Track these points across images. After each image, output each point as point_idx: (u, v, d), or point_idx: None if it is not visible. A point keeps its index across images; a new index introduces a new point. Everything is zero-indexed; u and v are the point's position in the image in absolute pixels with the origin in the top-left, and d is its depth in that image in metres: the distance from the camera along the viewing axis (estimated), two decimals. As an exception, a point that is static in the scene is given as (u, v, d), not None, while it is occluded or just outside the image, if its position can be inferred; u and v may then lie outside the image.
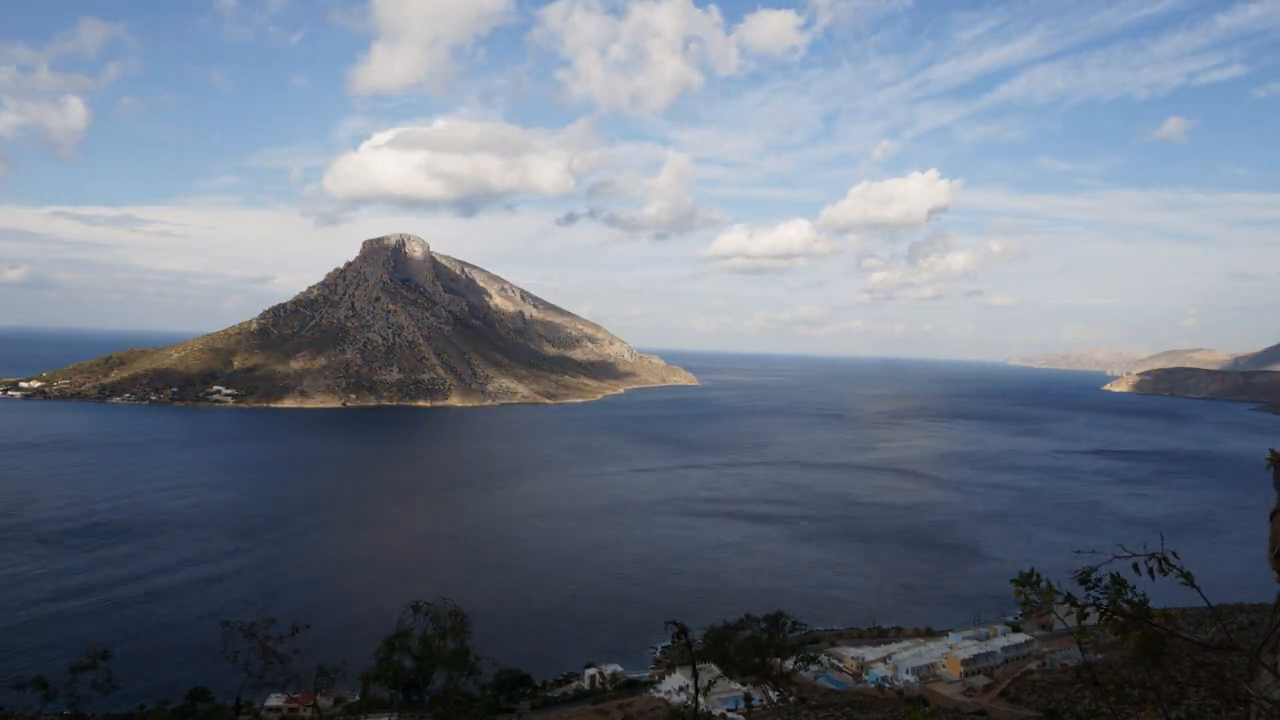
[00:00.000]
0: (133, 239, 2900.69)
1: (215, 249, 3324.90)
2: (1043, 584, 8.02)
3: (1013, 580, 8.24)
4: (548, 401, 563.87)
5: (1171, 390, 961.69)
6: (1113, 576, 7.91)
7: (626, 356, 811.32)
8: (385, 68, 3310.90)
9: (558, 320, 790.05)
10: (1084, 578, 7.97)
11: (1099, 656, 74.90)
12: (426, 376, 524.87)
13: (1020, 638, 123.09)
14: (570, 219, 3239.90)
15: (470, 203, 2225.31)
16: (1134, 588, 7.93)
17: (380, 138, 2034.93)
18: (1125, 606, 7.80)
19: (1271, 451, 8.36)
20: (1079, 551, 9.06)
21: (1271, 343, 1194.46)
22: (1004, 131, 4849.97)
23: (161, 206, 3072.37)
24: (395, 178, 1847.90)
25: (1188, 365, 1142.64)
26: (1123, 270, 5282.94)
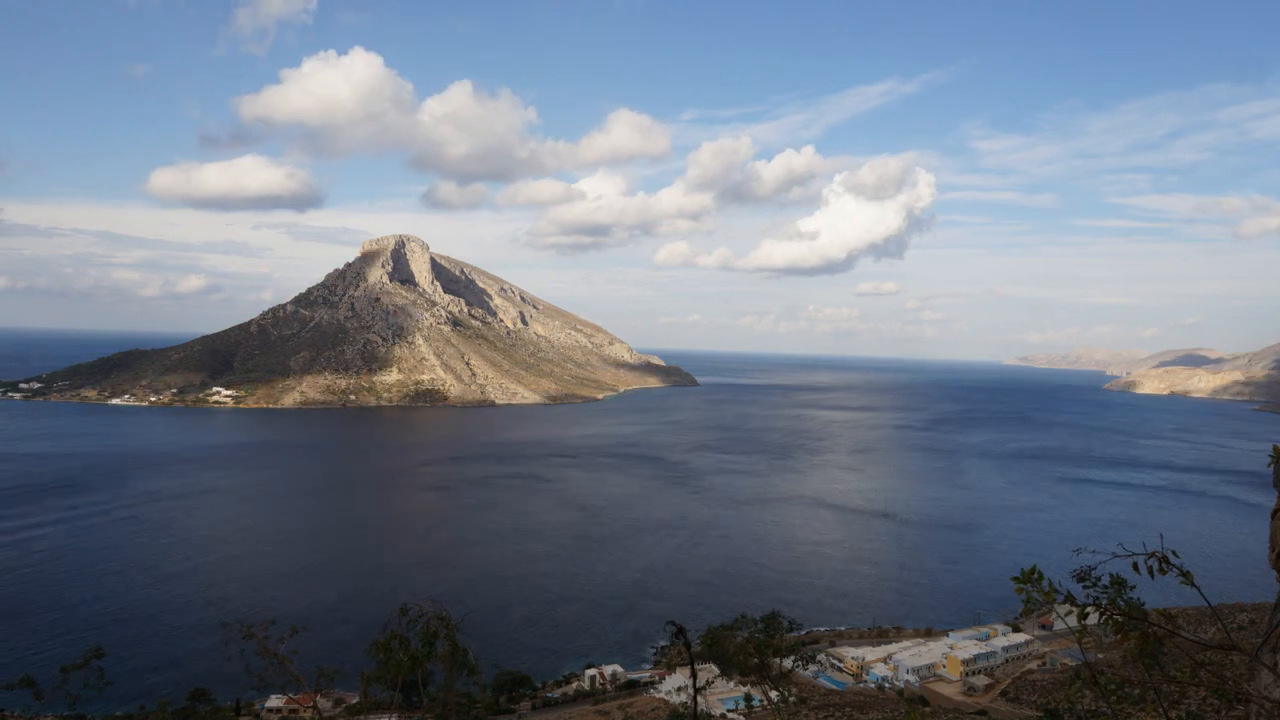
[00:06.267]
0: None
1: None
2: (1044, 582, 8.00)
3: (1015, 578, 8.22)
4: (547, 401, 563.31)
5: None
6: (1112, 576, 7.89)
7: (626, 357, 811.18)
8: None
9: (557, 321, 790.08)
10: (1083, 576, 7.94)
11: (1099, 656, 74.84)
12: (426, 377, 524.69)
13: (1020, 638, 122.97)
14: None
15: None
16: (1133, 588, 7.90)
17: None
18: (1124, 606, 7.78)
19: (1275, 448, 8.32)
20: (1078, 550, 8.96)
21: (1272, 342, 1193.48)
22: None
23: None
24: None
25: (1187, 365, 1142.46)
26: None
